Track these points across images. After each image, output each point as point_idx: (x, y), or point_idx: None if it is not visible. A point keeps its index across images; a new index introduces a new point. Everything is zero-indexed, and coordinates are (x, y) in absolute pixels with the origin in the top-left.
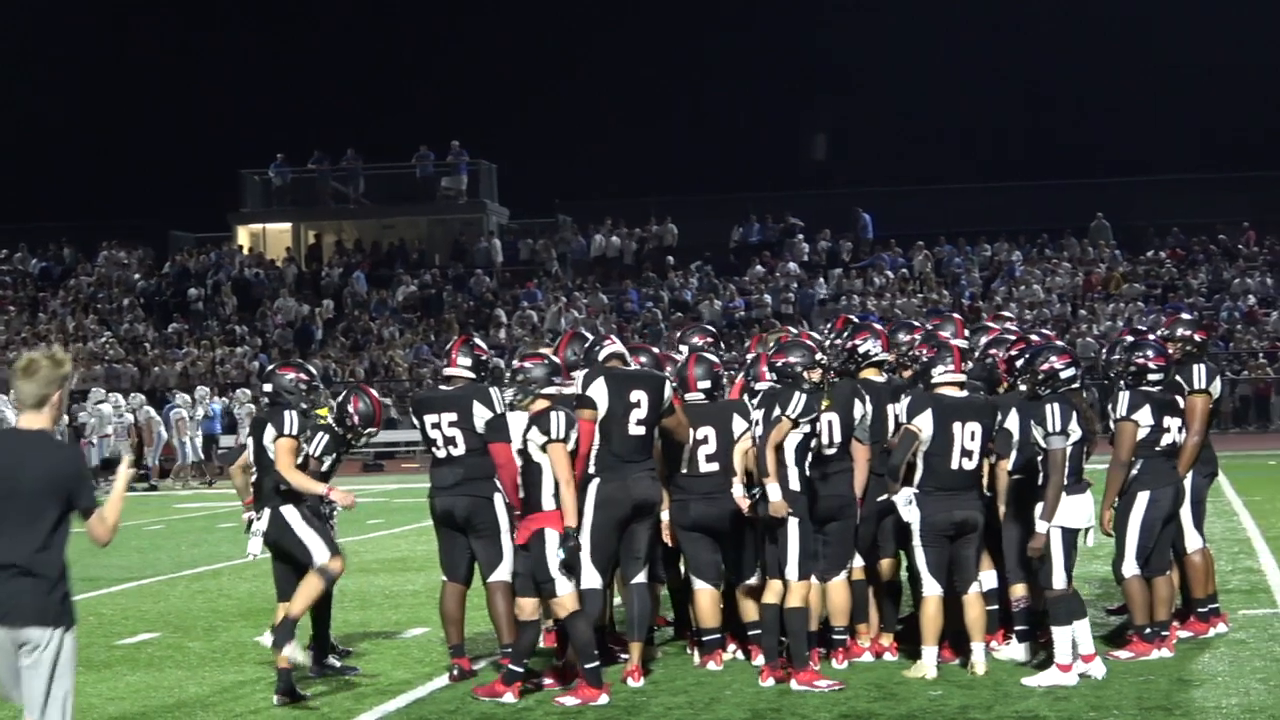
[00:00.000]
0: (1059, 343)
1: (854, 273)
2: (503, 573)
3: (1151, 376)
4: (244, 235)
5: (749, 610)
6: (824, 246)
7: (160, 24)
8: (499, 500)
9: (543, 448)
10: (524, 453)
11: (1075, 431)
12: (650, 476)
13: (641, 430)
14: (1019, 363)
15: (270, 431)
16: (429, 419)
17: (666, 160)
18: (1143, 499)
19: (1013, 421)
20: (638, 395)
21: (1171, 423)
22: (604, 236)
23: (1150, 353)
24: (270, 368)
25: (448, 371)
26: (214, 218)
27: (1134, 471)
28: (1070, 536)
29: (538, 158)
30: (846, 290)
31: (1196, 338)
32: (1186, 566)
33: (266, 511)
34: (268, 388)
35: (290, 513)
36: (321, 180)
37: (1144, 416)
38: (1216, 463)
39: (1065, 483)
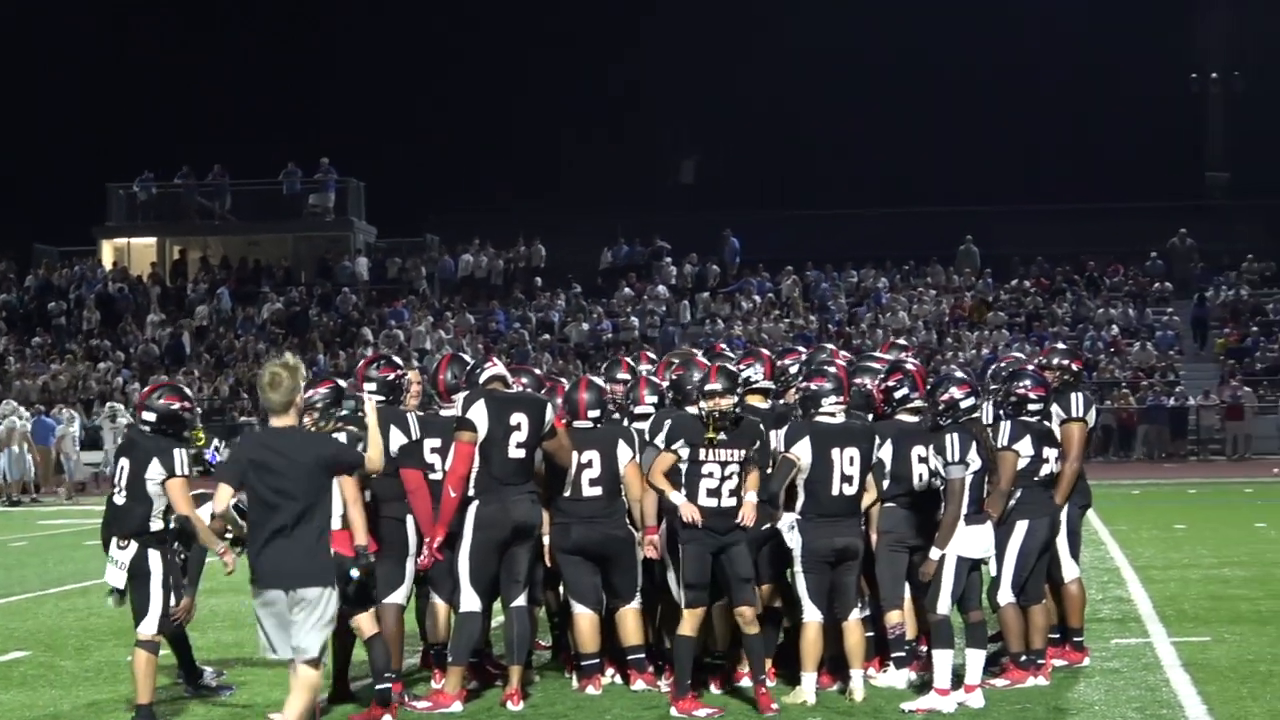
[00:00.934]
0: (959, 373)
1: (721, 297)
2: (399, 596)
3: (1031, 406)
4: (109, 250)
5: (628, 634)
6: (691, 270)
7: (22, 36)
8: (410, 524)
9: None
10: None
11: (975, 461)
12: (530, 499)
13: (521, 453)
14: (896, 392)
15: (157, 468)
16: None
17: (535, 181)
18: (1021, 528)
19: (886, 451)
20: (518, 418)
21: (1050, 453)
22: (472, 256)
23: (1029, 382)
24: (151, 393)
25: (357, 394)
26: (79, 232)
27: (1012, 501)
28: (965, 565)
29: (406, 176)
30: (713, 314)
31: (1074, 366)
32: (1064, 596)
33: (133, 545)
34: (149, 415)
35: (155, 562)
36: (187, 196)
37: (1024, 446)
38: (1090, 493)
39: (965, 512)
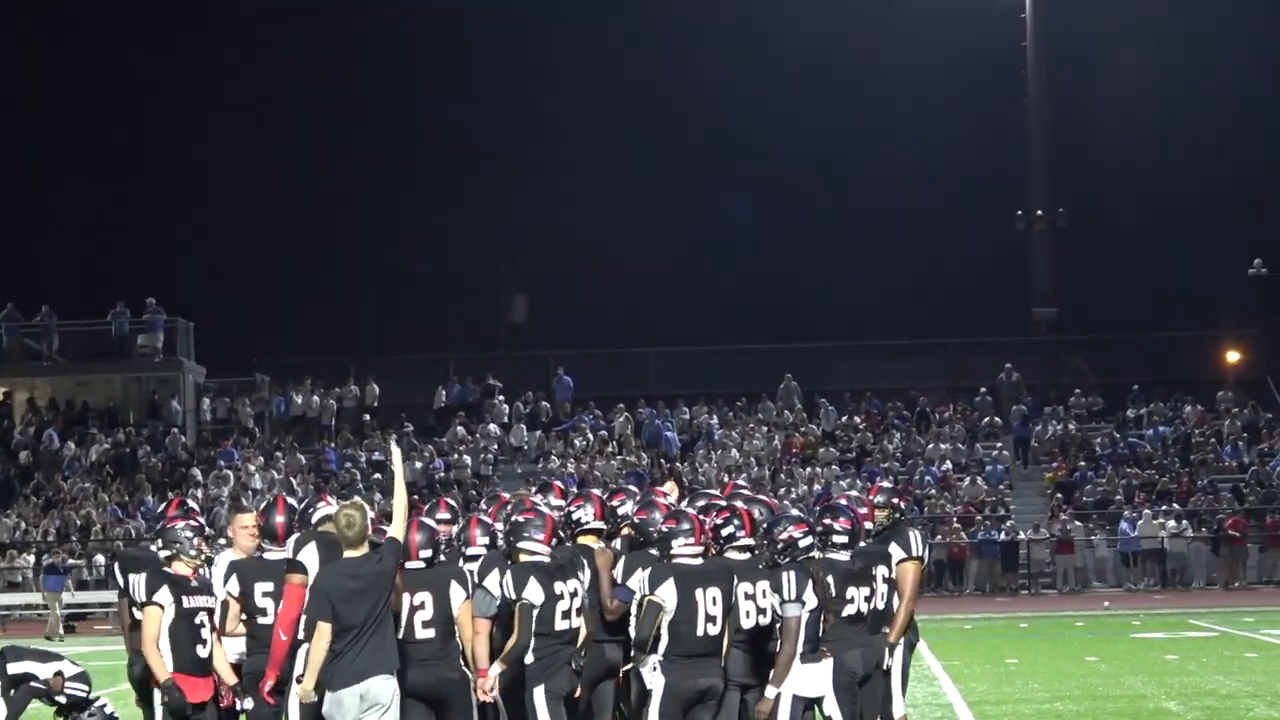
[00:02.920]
0: (795, 511)
1: (554, 434)
2: None
3: (836, 539)
4: None
5: None
6: (522, 410)
7: None
8: None
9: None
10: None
11: (811, 599)
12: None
13: None
14: (723, 530)
15: None
16: (132, 578)
17: (367, 320)
18: (828, 665)
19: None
20: None
21: (854, 592)
22: (302, 396)
23: (840, 516)
24: None
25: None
26: None
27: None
28: (799, 704)
29: (234, 316)
30: (547, 452)
31: (900, 504)
32: None
33: None
34: None
35: None
36: (12, 337)
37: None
38: (918, 629)
39: (801, 650)
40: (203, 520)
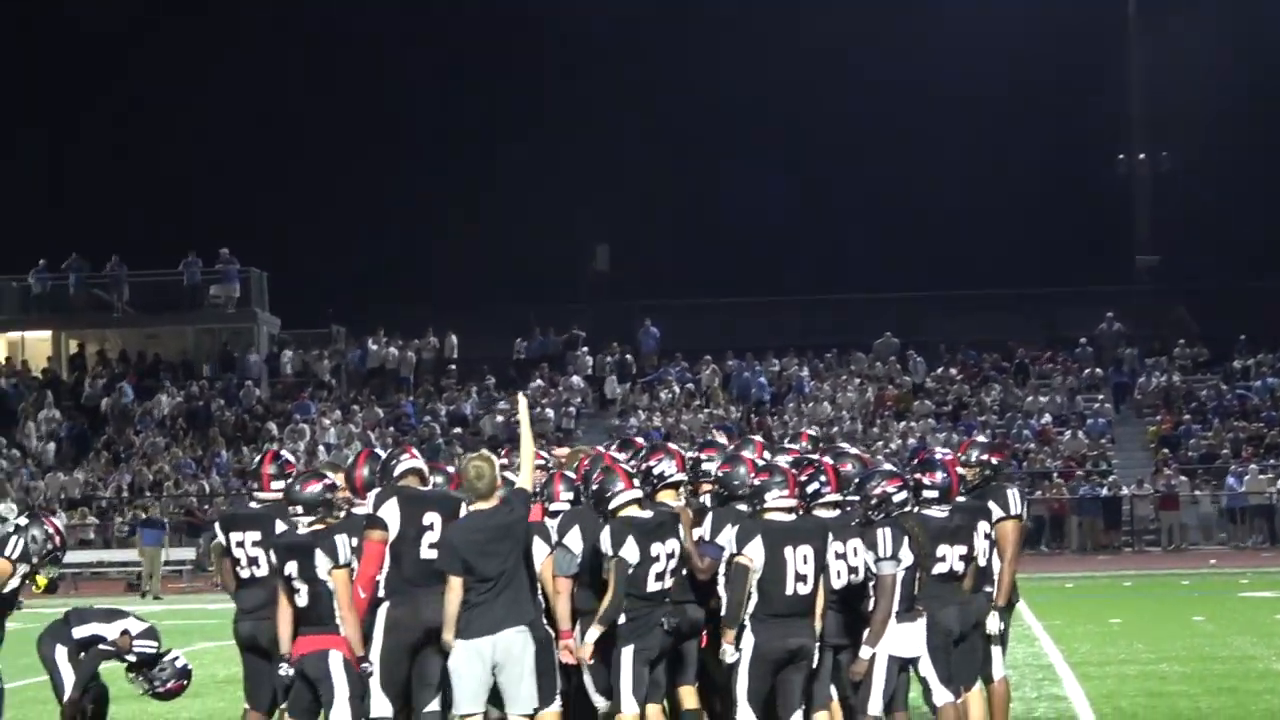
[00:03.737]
0: (889, 466)
1: (639, 387)
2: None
3: (926, 494)
4: (1, 344)
5: None
6: (609, 360)
7: None
8: None
9: (329, 572)
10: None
11: (907, 557)
12: (443, 601)
13: (434, 554)
14: (809, 487)
15: None
16: (234, 536)
17: (446, 270)
18: (921, 624)
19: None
20: (431, 517)
21: (947, 550)
22: (380, 348)
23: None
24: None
25: (261, 496)
26: None
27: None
28: (895, 665)
29: (310, 266)
30: (631, 405)
31: (993, 460)
32: (990, 694)
33: None
34: (24, 522)
35: None
36: (80, 288)
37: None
38: (1017, 590)
39: (896, 609)
40: (332, 478)
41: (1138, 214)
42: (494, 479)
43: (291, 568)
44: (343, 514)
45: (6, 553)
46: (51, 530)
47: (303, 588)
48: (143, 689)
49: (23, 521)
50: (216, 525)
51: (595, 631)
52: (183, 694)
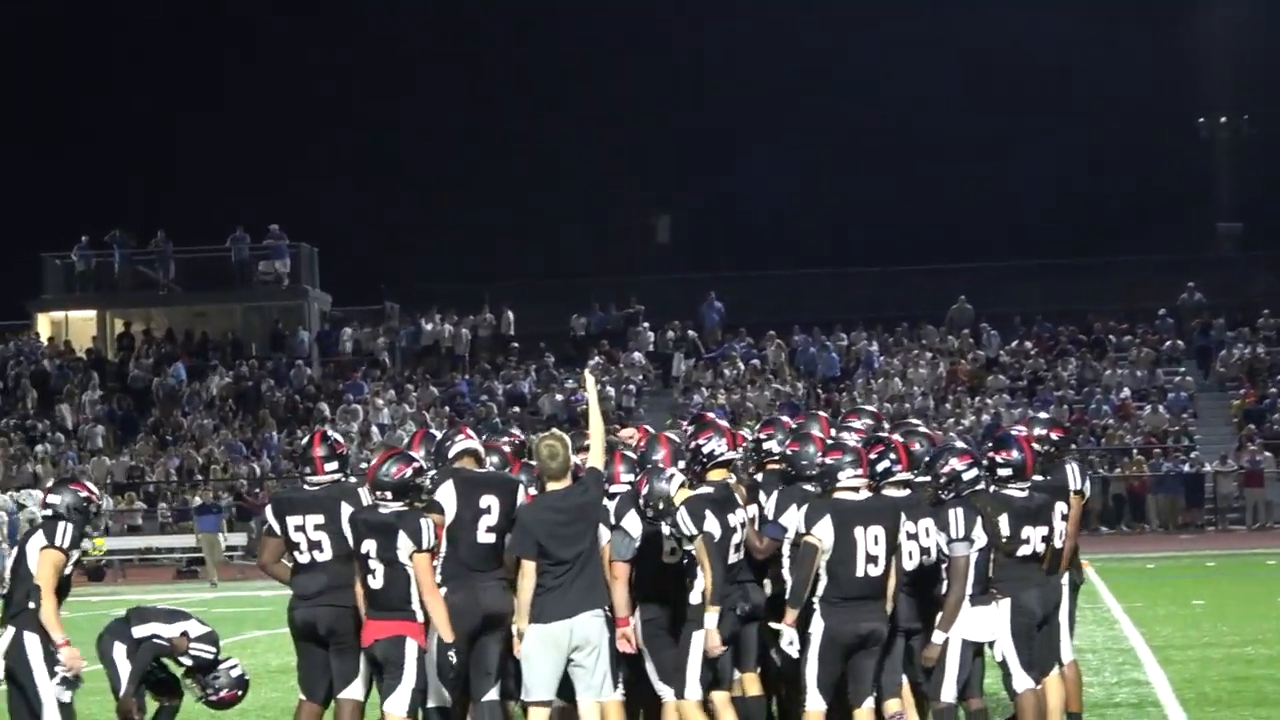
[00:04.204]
0: (959, 443)
1: (702, 364)
2: (355, 690)
3: (1001, 472)
4: (45, 324)
5: None
6: (670, 336)
7: None
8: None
9: (410, 556)
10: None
11: (980, 538)
12: (500, 586)
13: (491, 538)
14: (878, 465)
15: (39, 539)
16: (291, 520)
17: (501, 244)
18: (1006, 606)
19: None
20: (488, 500)
21: (1030, 532)
22: (435, 325)
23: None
24: (58, 483)
25: (312, 479)
26: (12, 306)
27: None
28: (969, 649)
29: (361, 241)
30: (695, 382)
31: (1053, 435)
32: (1064, 679)
33: (10, 630)
34: (54, 499)
35: (34, 649)
36: (125, 264)
37: (1002, 525)
38: (1082, 570)
39: (970, 592)
40: (419, 460)
41: (1219, 180)
42: (567, 458)
43: (370, 546)
44: (427, 498)
45: (58, 542)
46: (84, 492)
47: (379, 568)
48: (196, 695)
49: (58, 499)
50: (268, 510)
51: (713, 615)
52: (236, 704)
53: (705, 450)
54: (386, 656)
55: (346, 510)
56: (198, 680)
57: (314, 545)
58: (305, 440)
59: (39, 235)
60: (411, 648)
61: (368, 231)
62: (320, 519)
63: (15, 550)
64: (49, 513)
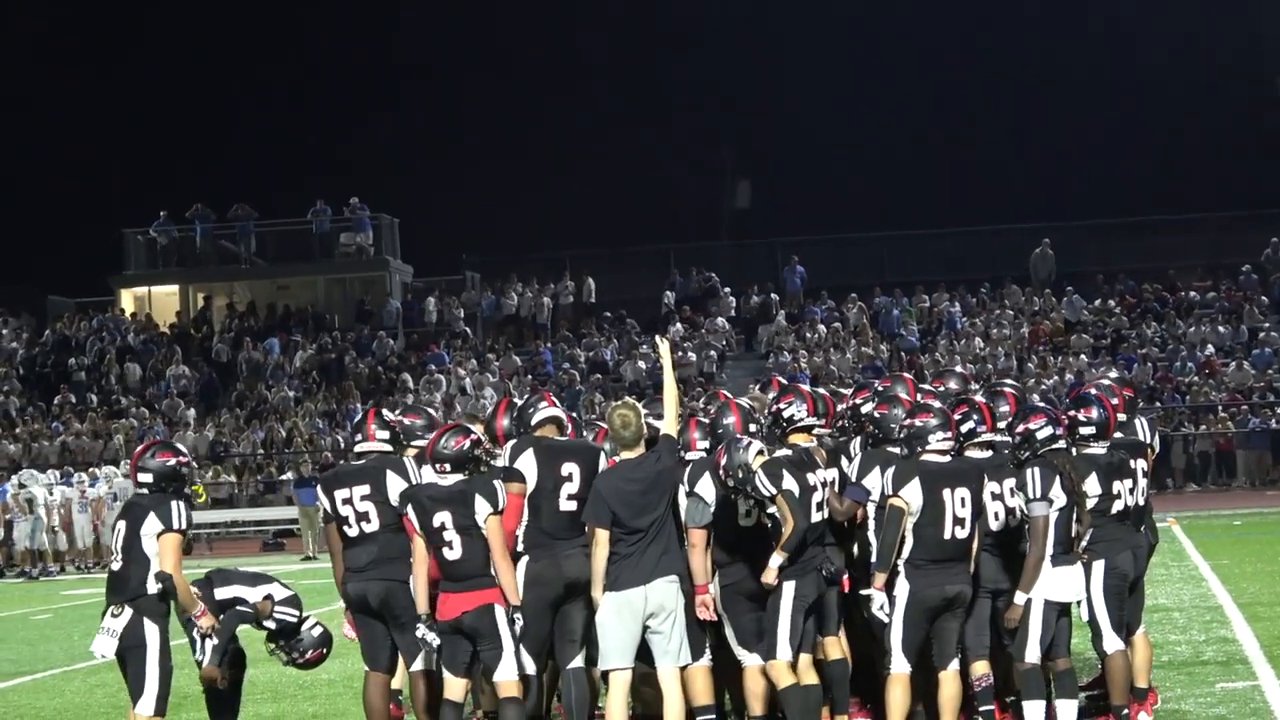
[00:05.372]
0: (1037, 401)
1: (784, 328)
2: (421, 661)
3: (1082, 431)
4: (128, 299)
5: (697, 694)
6: (753, 301)
7: (22, 71)
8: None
9: (486, 519)
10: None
11: (1059, 497)
12: (583, 554)
13: (573, 505)
14: (963, 425)
15: (154, 523)
16: (339, 494)
17: (581, 212)
18: (1099, 568)
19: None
20: (569, 468)
21: (1120, 486)
22: (515, 294)
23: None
24: (144, 453)
25: (361, 447)
26: (95, 282)
27: (1084, 541)
28: (1053, 610)
29: (439, 211)
30: (777, 346)
31: (1123, 393)
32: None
33: (128, 612)
34: (146, 476)
35: (151, 632)
36: (206, 238)
37: (1091, 485)
38: (1156, 531)
39: (1051, 552)
40: (478, 433)
41: None
42: (640, 427)
43: (444, 518)
44: (487, 470)
45: (176, 525)
46: (173, 460)
47: (456, 539)
48: (282, 659)
49: (149, 473)
50: (319, 489)
51: (778, 559)
52: (322, 662)
53: (786, 415)
54: (477, 627)
55: (394, 480)
56: (282, 644)
57: (361, 517)
58: (359, 416)
59: (121, 211)
60: (501, 614)
61: (448, 202)
62: (366, 489)
63: (123, 527)
64: (144, 490)
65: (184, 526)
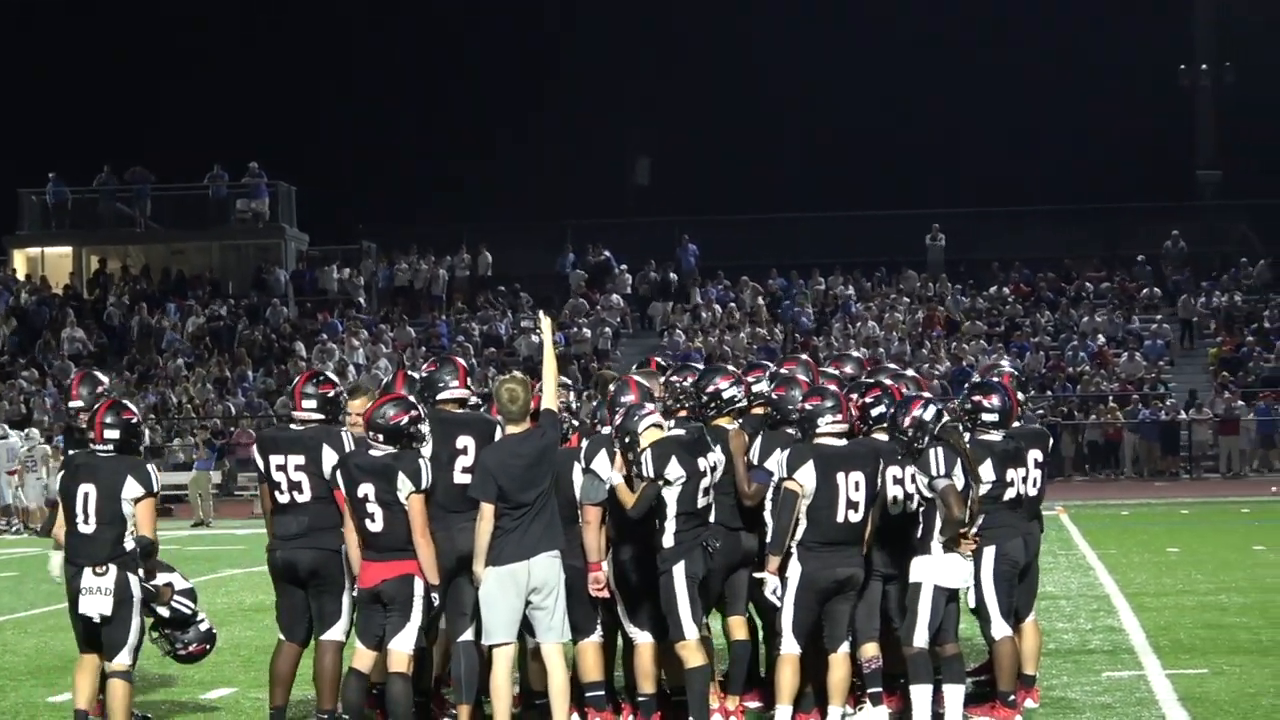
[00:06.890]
0: (923, 392)
1: (678, 307)
2: (337, 632)
3: (985, 418)
4: (20, 260)
5: (587, 670)
6: (652, 277)
7: None
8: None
9: (408, 496)
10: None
11: (959, 479)
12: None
13: (467, 479)
14: (874, 409)
15: (133, 487)
16: (274, 459)
17: (479, 184)
18: (990, 554)
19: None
20: (464, 441)
21: (1014, 474)
22: (411, 265)
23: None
24: (106, 411)
25: (297, 413)
26: None
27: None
28: (942, 595)
29: (337, 180)
30: (671, 325)
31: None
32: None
33: (113, 570)
34: (113, 434)
35: (135, 587)
36: (104, 200)
37: (985, 470)
38: (1042, 519)
39: (941, 538)
40: (418, 408)
41: (1199, 128)
42: (528, 402)
43: (367, 489)
44: (423, 444)
45: (155, 488)
46: (130, 417)
47: (378, 511)
48: (164, 649)
49: (115, 430)
50: (254, 449)
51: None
52: (203, 659)
53: (725, 395)
54: (394, 596)
55: (328, 453)
56: (166, 634)
57: (294, 486)
58: (296, 379)
59: (16, 171)
60: (419, 586)
61: (345, 171)
62: (301, 459)
63: (94, 490)
64: (110, 447)
65: (158, 489)
